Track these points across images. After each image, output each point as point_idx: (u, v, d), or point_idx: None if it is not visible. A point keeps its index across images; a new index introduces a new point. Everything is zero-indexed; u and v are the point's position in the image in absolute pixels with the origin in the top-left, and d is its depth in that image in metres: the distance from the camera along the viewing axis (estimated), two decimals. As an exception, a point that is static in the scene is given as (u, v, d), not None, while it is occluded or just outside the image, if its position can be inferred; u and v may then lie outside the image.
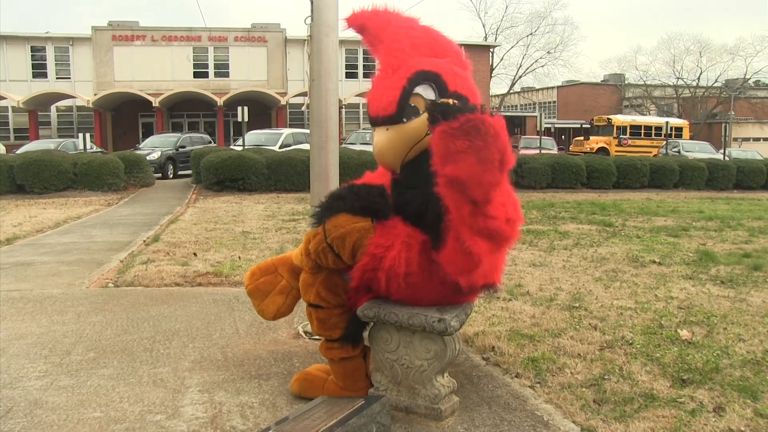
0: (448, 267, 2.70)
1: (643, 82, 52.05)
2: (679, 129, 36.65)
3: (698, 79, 50.22)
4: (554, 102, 58.25)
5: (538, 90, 59.22)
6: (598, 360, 3.83)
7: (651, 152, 33.16)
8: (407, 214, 2.93)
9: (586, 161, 20.15)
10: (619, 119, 35.23)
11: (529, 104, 59.48)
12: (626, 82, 54.56)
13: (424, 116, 2.78)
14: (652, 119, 38.07)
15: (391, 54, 2.97)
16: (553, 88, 58.14)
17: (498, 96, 52.70)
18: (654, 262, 7.21)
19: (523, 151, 26.71)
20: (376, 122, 2.91)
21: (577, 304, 5.18)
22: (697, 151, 31.20)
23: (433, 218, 2.82)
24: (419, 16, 3.17)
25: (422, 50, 2.99)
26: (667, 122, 33.94)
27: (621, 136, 33.44)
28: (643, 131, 35.03)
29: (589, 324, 4.59)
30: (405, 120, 2.82)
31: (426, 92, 2.85)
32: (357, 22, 3.12)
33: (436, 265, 2.80)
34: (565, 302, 5.28)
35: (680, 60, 51.25)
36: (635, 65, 53.19)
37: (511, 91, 54.00)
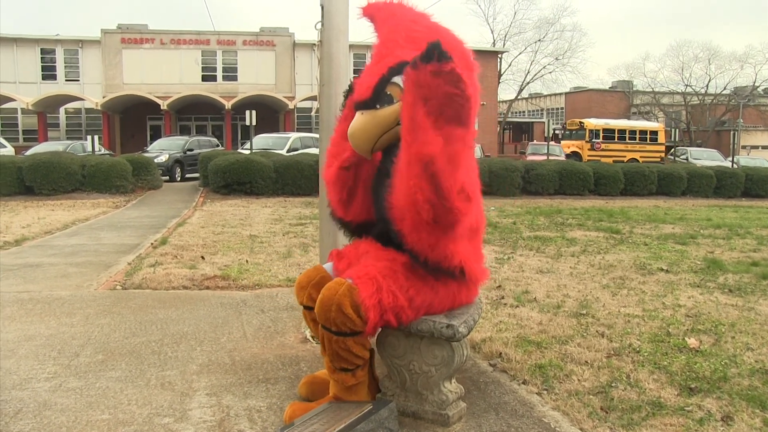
0: (416, 245, 2.71)
1: (651, 89, 51.93)
2: (654, 133, 36.50)
3: (707, 86, 50.14)
4: (562, 108, 58.18)
5: (546, 96, 59.14)
6: (606, 367, 3.82)
7: (625, 156, 33.05)
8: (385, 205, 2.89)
9: (593, 168, 20.14)
10: (591, 123, 34.97)
11: (537, 110, 59.44)
12: (634, 89, 54.47)
13: (397, 105, 2.80)
14: (626, 123, 37.76)
15: (383, 44, 3.04)
16: (561, 94, 58.08)
17: (506, 102, 52.64)
18: (661, 269, 7.19)
19: (530, 158, 26.69)
20: (355, 106, 2.97)
21: (584, 311, 5.17)
22: (706, 158, 31.11)
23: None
24: (432, 13, 3.17)
25: (420, 44, 2.84)
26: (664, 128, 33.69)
27: (593, 140, 33.22)
28: (616, 135, 34.89)
29: (597, 331, 4.58)
30: (378, 106, 2.85)
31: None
32: (368, 12, 3.22)
33: (429, 276, 2.84)
34: (572, 309, 5.27)
35: (689, 67, 51.15)
36: (643, 72, 53.25)
37: (519, 97, 53.94)
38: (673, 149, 33.96)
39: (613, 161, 25.96)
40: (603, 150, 32.51)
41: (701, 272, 7.10)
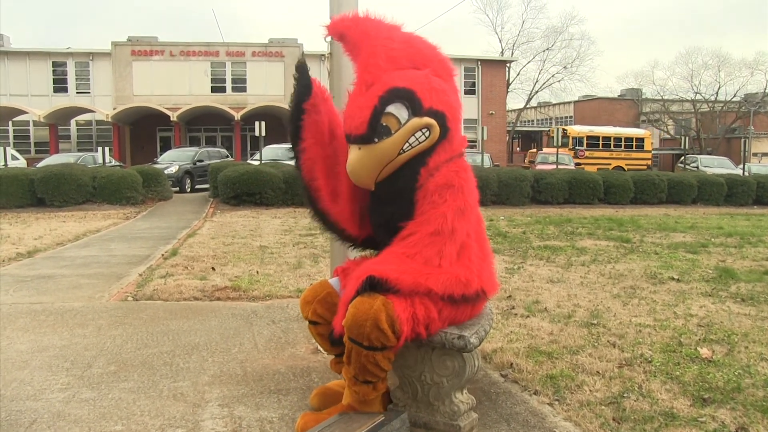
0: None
1: (660, 97, 51.73)
2: (640, 140, 36.17)
3: (717, 93, 49.83)
4: (571, 117, 58.09)
5: (554, 105, 59.10)
6: (617, 377, 3.81)
7: (610, 164, 32.71)
8: (387, 231, 2.91)
9: (603, 176, 20.09)
10: (575, 130, 34.67)
11: (546, 119, 59.40)
12: (643, 96, 54.27)
13: (396, 136, 2.78)
14: (612, 130, 37.31)
15: (365, 69, 2.91)
16: (569, 102, 58.02)
17: (514, 111, 52.63)
18: (673, 278, 7.15)
19: (539, 167, 26.64)
20: (349, 140, 2.90)
21: (595, 321, 5.15)
22: (716, 166, 30.88)
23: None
24: (402, 23, 3.06)
25: (400, 63, 2.91)
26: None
27: (577, 148, 32.92)
28: (601, 142, 34.58)
29: (608, 341, 4.57)
30: (376, 140, 2.79)
31: (399, 111, 2.79)
32: (337, 30, 3.03)
33: None
34: (583, 319, 5.25)
35: (698, 74, 50.95)
36: (652, 80, 52.83)
37: (528, 106, 53.94)
38: (683, 157, 33.73)
39: (597, 169, 25.72)
40: (587, 158, 32.18)
41: (713, 281, 7.07)
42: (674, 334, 4.81)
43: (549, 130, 38.16)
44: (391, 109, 2.78)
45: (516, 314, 5.41)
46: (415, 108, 2.80)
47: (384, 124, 2.79)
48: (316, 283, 3.22)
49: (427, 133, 2.82)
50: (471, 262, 2.84)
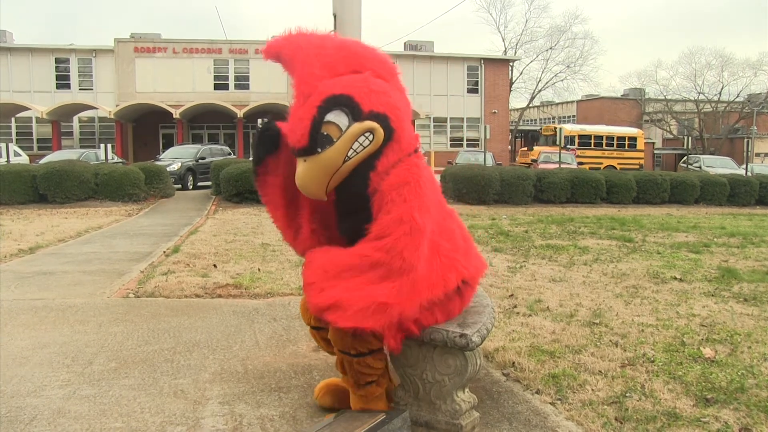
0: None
1: (663, 97, 51.61)
2: (633, 139, 36.07)
3: (720, 93, 49.63)
4: (574, 116, 57.98)
5: (557, 104, 59.01)
6: (620, 377, 3.79)
7: (602, 163, 32.59)
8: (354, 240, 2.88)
9: (605, 176, 20.07)
10: (567, 128, 34.55)
11: (549, 118, 59.26)
12: (646, 96, 54.15)
13: (339, 144, 2.74)
14: (604, 129, 37.15)
15: (302, 81, 2.87)
16: (572, 102, 57.92)
17: (517, 110, 52.55)
18: (675, 278, 7.13)
19: (542, 166, 26.59)
20: (294, 153, 2.86)
21: (597, 321, 5.13)
22: (719, 166, 30.81)
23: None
24: (331, 31, 3.08)
25: (337, 68, 2.87)
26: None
27: (568, 147, 32.79)
28: (593, 141, 34.46)
29: (610, 341, 4.55)
30: (319, 150, 2.75)
31: (338, 118, 2.74)
32: (272, 51, 3.02)
33: None
34: (585, 318, 5.24)
35: (701, 75, 50.49)
36: (655, 80, 52.43)
37: (531, 105, 53.85)
38: (685, 157, 33.67)
39: (589, 168, 25.63)
40: (578, 157, 32.04)
41: (715, 281, 7.04)
42: (677, 333, 4.79)
43: (541, 129, 37.94)
44: (330, 117, 2.73)
45: (518, 313, 5.39)
46: (355, 113, 2.75)
47: (325, 133, 2.74)
48: None
49: (370, 137, 2.78)
50: (441, 256, 2.83)
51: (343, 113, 2.74)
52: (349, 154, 2.77)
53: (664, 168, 43.95)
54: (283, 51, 2.96)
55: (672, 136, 51.70)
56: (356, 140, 2.76)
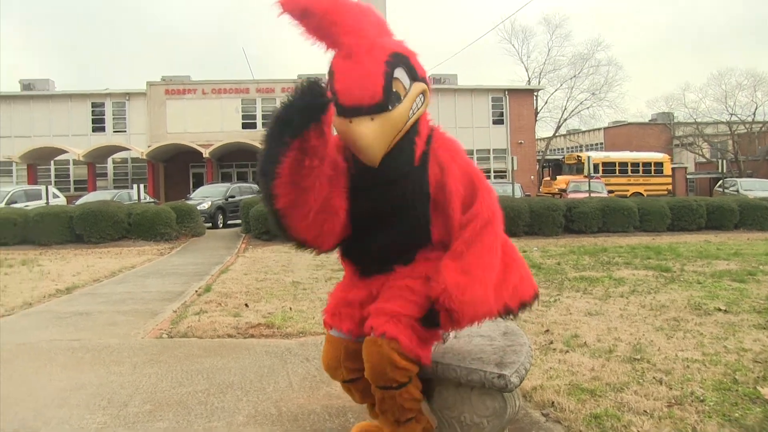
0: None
1: (693, 120, 50.88)
2: (659, 164, 35.49)
3: (754, 114, 48.74)
4: (601, 144, 57.57)
5: (584, 132, 58.65)
6: (667, 418, 3.64)
7: (628, 190, 32.10)
8: (380, 214, 2.77)
9: (637, 203, 19.72)
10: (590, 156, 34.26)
11: (576, 146, 58.86)
12: (675, 120, 53.47)
13: (405, 102, 2.66)
14: (628, 155, 36.73)
15: (357, 34, 2.64)
16: (599, 129, 57.55)
17: (544, 139, 52.39)
18: (719, 309, 6.88)
19: (571, 195, 26.32)
20: (358, 112, 2.59)
21: (638, 356, 4.98)
22: (758, 189, 30.10)
23: (417, 218, 2.80)
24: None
25: (380, 30, 2.77)
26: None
27: (592, 175, 32.45)
28: (617, 168, 33.99)
29: (654, 378, 4.39)
30: (390, 107, 2.61)
31: (403, 76, 2.66)
32: (299, 5, 2.57)
33: None
34: (625, 354, 5.08)
35: (733, 95, 49.67)
36: (684, 103, 51.75)
37: (557, 134, 53.58)
38: (721, 181, 33.05)
39: (615, 196, 25.32)
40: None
41: (766, 312, 6.76)
42: (727, 370, 4.57)
43: (563, 158, 37.60)
44: (397, 74, 2.65)
45: (555, 349, 5.26)
46: (412, 74, 2.71)
47: (394, 90, 2.64)
48: (328, 346, 3.06)
49: (422, 100, 2.76)
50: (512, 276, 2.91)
51: (405, 72, 2.68)
52: (409, 115, 2.71)
53: (699, 193, 43.23)
54: (314, 6, 2.58)
55: (705, 160, 50.80)
56: (415, 101, 2.72)
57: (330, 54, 2.71)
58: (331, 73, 2.68)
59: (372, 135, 2.60)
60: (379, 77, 2.59)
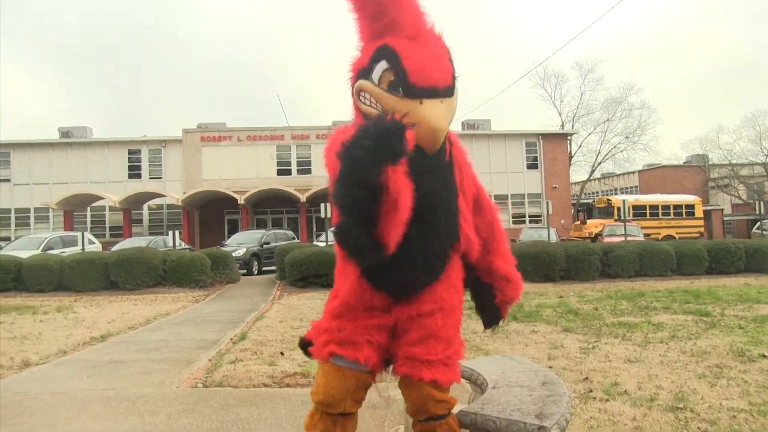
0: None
1: (728, 162, 50.25)
2: (690, 207, 34.93)
3: (791, 155, 48.06)
4: (636, 187, 57.02)
5: (618, 175, 58.20)
6: (714, 471, 3.52)
7: (660, 234, 31.56)
8: (423, 209, 2.54)
9: (674, 246, 19.38)
10: (619, 200, 33.83)
11: (611, 190, 58.39)
12: (710, 162, 52.88)
13: (456, 92, 2.66)
14: (659, 197, 36.23)
15: (418, 15, 2.59)
16: (633, 172, 57.08)
17: (578, 183, 52.03)
18: (764, 356, 6.66)
19: (607, 239, 26.01)
20: (434, 93, 2.53)
21: (681, 405, 4.84)
22: (799, 229, 29.48)
23: (454, 213, 2.79)
24: None
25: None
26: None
27: (623, 218, 31.92)
28: (648, 211, 33.51)
29: (698, 428, 4.26)
30: (454, 93, 2.65)
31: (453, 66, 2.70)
32: None
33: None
34: (667, 402, 4.94)
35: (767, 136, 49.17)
36: (718, 145, 51.27)
37: (591, 178, 53.25)
38: (758, 223, 32.44)
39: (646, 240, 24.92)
40: None
41: (810, 359, 6.55)
42: (773, 420, 4.44)
43: (594, 201, 37.25)
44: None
45: (594, 398, 5.14)
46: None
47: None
48: (332, 377, 2.80)
49: None
50: None
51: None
52: None
53: (736, 235, 42.41)
54: None
55: (741, 202, 50.00)
56: None
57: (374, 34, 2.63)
58: (391, 52, 2.56)
59: (443, 117, 2.56)
60: (448, 62, 2.63)
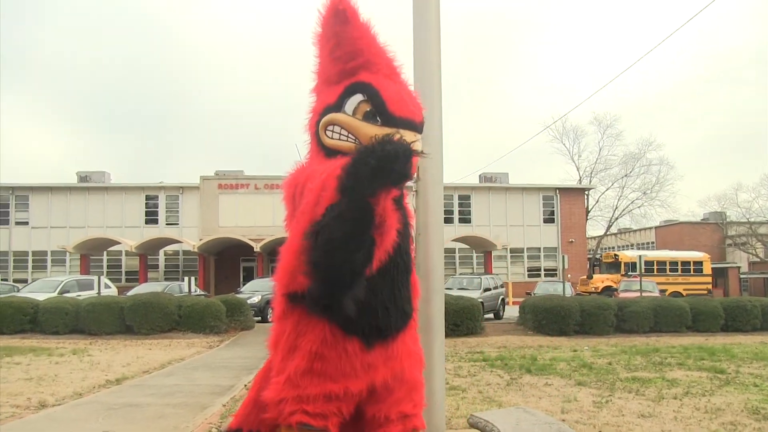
0: None
1: (746, 219, 50.01)
2: (699, 263, 34.65)
3: (809, 214, 47.77)
4: (653, 243, 56.67)
5: (635, 231, 57.97)
6: None
7: (666, 290, 31.28)
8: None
9: (690, 303, 19.25)
10: (626, 255, 33.64)
11: (627, 245, 58.03)
12: (728, 219, 52.62)
13: None
14: (667, 254, 36.05)
15: (389, 61, 2.80)
16: (650, 228, 56.83)
17: (595, 238, 51.83)
18: (778, 415, 6.65)
19: (623, 295, 25.87)
20: (411, 126, 2.67)
21: (694, 461, 4.83)
22: (818, 286, 29.16)
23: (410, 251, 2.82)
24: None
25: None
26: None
27: (629, 274, 31.67)
28: (656, 267, 33.27)
29: (711, 484, 4.26)
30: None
31: None
32: (351, 9, 2.66)
33: None
34: (680, 458, 4.94)
35: (786, 195, 49.06)
36: (736, 203, 51.14)
37: (608, 233, 53.06)
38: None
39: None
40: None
41: (825, 418, 6.51)
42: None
43: (602, 256, 37.10)
44: None
45: (607, 452, 5.14)
46: None
47: None
48: None
49: None
50: None
51: None
52: None
53: (752, 293, 41.91)
54: (358, 21, 2.67)
55: (759, 260, 49.61)
56: None
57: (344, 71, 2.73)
58: (367, 86, 2.65)
59: (418, 148, 2.55)
60: (418, 103, 2.79)
